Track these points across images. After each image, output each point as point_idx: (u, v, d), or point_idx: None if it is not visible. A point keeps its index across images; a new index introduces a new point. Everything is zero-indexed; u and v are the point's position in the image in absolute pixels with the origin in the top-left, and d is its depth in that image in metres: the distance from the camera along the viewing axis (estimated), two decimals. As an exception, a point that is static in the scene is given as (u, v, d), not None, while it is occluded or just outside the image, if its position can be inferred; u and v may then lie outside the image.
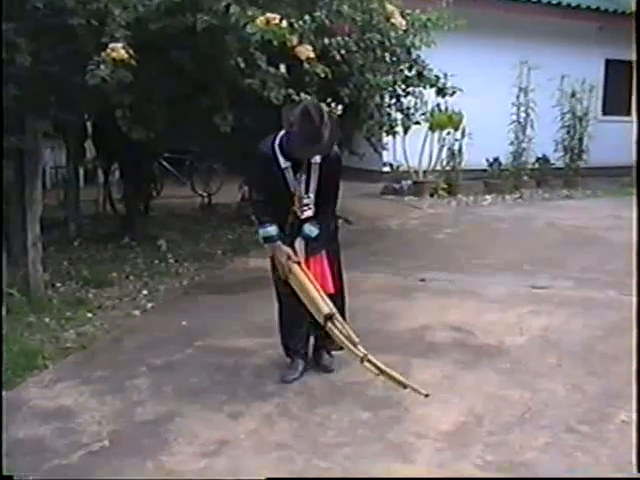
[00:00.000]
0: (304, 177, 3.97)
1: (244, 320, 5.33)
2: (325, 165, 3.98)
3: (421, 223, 9.58)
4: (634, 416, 3.66)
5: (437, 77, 8.66)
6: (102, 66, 5.17)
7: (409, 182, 12.11)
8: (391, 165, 12.14)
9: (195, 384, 4.21)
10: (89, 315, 5.52)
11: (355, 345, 3.81)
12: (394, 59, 7.89)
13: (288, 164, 3.93)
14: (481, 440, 3.52)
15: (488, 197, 11.80)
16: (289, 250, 4.01)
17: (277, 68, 5.88)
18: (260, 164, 3.96)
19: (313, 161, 3.95)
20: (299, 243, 4.05)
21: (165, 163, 11.52)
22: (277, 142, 3.94)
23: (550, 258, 7.35)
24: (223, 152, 10.45)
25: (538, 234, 8.70)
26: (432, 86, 8.70)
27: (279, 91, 5.86)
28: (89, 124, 8.71)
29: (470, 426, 3.66)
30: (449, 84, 8.82)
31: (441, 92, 8.81)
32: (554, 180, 13.06)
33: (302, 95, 6.09)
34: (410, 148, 11.58)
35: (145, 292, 6.21)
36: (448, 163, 12.24)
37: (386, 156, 11.61)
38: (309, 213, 4.05)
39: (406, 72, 8.49)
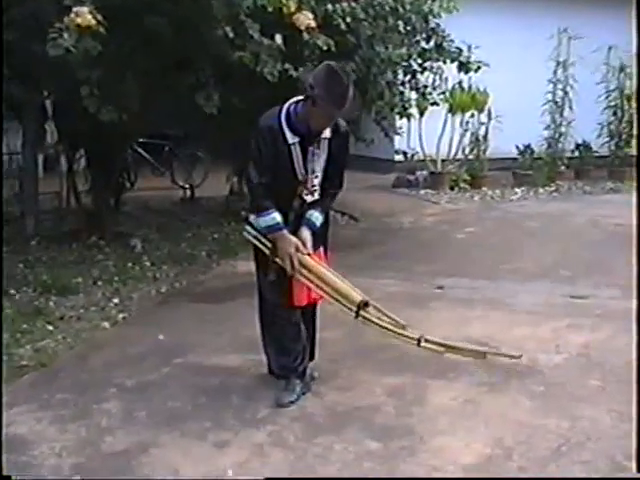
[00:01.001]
0: (317, 152, 4.00)
1: (232, 333, 5.31)
2: (334, 141, 4.03)
3: (439, 221, 9.56)
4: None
5: (459, 50, 8.66)
6: (65, 34, 5.15)
7: (425, 173, 12.11)
8: (404, 153, 12.15)
9: (174, 408, 4.19)
10: (49, 328, 5.50)
11: (404, 328, 3.86)
12: (409, 28, 7.88)
13: (296, 139, 3.94)
14: (510, 476, 3.50)
15: (518, 191, 11.81)
16: (297, 240, 4.01)
17: (272, 39, 5.87)
18: (264, 140, 3.93)
19: (323, 136, 3.99)
20: (306, 232, 4.06)
21: (140, 150, 11.51)
22: (284, 114, 3.95)
23: (592, 262, 7.33)
24: (208, 137, 10.48)
25: (578, 234, 8.69)
26: (453, 60, 8.70)
27: (274, 66, 5.86)
28: (50, 103, 8.69)
29: (497, 459, 3.64)
30: (473, 58, 8.81)
31: (464, 67, 8.81)
32: (597, 171, 13.06)
33: (301, 70, 6.08)
34: (427, 133, 11.60)
35: (116, 300, 6.19)
36: (471, 151, 12.25)
37: (398, 143, 11.61)
38: (315, 196, 4.09)
39: (423, 44, 8.49)
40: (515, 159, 12.77)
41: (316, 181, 4.05)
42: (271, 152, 3.92)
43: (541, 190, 11.93)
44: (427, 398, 4.22)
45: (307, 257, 4.02)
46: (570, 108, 12.53)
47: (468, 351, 3.81)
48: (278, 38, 5.91)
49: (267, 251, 4.09)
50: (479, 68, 8.84)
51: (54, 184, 9.64)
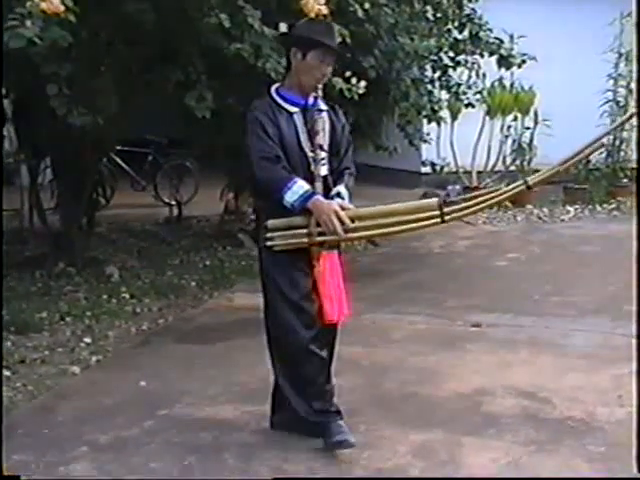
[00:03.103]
0: (318, 121, 4.27)
1: (226, 380, 5.31)
2: (332, 114, 4.39)
3: (475, 245, 9.56)
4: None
5: (499, 40, 8.69)
6: (28, 22, 5.17)
7: (458, 188, 12.11)
8: (433, 164, 12.14)
9: (157, 470, 4.18)
10: (7, 373, 5.49)
11: (500, 189, 4.11)
12: (439, 15, 7.94)
13: (296, 109, 4.27)
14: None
15: (570, 209, 11.79)
16: (335, 201, 4.17)
17: (275, 28, 5.90)
18: (266, 114, 4.20)
19: (321, 107, 4.33)
20: (339, 199, 4.21)
21: (117, 159, 11.57)
22: (274, 93, 4.31)
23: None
24: (199, 144, 10.52)
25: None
26: (492, 53, 8.73)
27: (278, 61, 5.88)
28: (9, 103, 8.74)
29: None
30: (516, 50, 8.84)
31: (505, 62, 8.84)
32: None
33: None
34: (460, 140, 11.61)
35: (88, 340, 6.20)
36: (513, 161, 12.26)
37: (426, 152, 11.63)
38: (325, 170, 4.29)
39: (455, 33, 8.52)
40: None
41: (324, 154, 4.28)
42: (275, 126, 4.18)
43: (599, 208, 11.93)
44: (461, 459, 4.20)
45: (355, 209, 4.19)
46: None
47: (582, 151, 3.98)
48: (283, 27, 5.93)
49: (305, 239, 4.16)
50: (523, 62, 8.88)
51: (13, 200, 9.67)
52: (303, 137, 4.25)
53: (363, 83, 6.17)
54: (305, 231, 4.15)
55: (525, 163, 12.23)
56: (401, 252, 9.18)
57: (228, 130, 7.45)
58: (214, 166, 10.36)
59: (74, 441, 4.49)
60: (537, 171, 12.40)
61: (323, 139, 4.28)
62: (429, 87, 8.76)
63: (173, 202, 11.23)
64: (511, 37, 8.93)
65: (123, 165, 11.83)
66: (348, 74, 6.35)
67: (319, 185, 4.21)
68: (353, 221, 4.13)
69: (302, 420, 4.32)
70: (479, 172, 12.05)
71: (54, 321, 6.60)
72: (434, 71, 8.80)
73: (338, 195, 4.23)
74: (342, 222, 4.07)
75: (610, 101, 12.57)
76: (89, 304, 7.05)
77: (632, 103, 12.44)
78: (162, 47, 6.33)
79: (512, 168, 12.24)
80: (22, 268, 8.01)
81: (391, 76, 7.47)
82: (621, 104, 12.57)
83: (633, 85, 12.42)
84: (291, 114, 4.24)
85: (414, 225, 4.18)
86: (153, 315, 6.87)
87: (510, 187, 4.14)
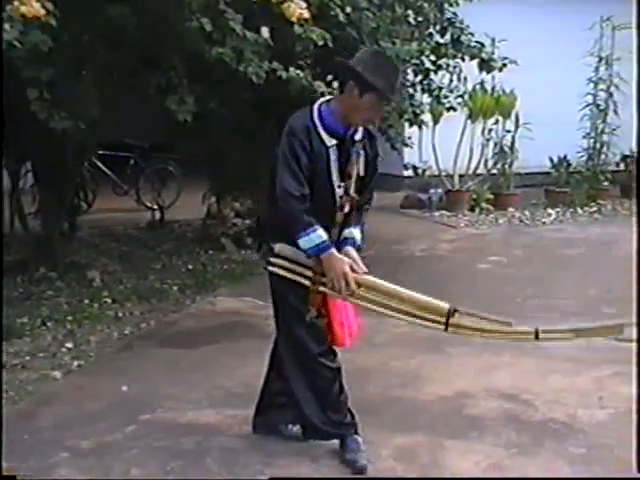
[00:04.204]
0: (354, 158, 4.13)
1: (209, 384, 5.30)
2: (369, 143, 4.21)
3: (457, 248, 9.57)
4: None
5: (480, 44, 8.71)
6: (7, 25, 5.16)
7: (440, 191, 12.15)
8: (415, 168, 12.16)
9: (140, 476, 4.17)
10: (-12, 378, 5.48)
11: (510, 325, 4.06)
12: (420, 19, 7.94)
13: (334, 142, 4.07)
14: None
15: (552, 212, 11.84)
16: (348, 259, 4.08)
17: (257, 32, 5.90)
18: (301, 143, 4.02)
19: (357, 138, 4.15)
20: (353, 251, 4.15)
21: (99, 163, 11.52)
22: (316, 115, 4.08)
23: (641, 298, 7.33)
24: (181, 148, 10.50)
25: (624, 264, 8.68)
26: (473, 57, 8.74)
27: (260, 65, 5.88)
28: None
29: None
30: (497, 54, 8.86)
31: (486, 65, 8.86)
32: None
33: (292, 70, 6.11)
34: (442, 144, 11.63)
35: (69, 345, 6.17)
36: (495, 165, 12.30)
37: (408, 155, 11.64)
38: (348, 208, 4.20)
39: (437, 37, 8.53)
40: (548, 174, 12.80)
41: (351, 190, 4.17)
42: (308, 157, 4.02)
43: (580, 211, 11.98)
44: (444, 462, 4.21)
45: (366, 277, 4.09)
46: (615, 112, 12.57)
47: (601, 329, 3.92)
48: (265, 31, 5.93)
49: (307, 282, 4.11)
50: (504, 66, 8.90)
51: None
52: (335, 172, 4.10)
53: (345, 87, 6.16)
54: (309, 274, 4.09)
55: (506, 166, 12.26)
56: (384, 255, 9.18)
57: (210, 133, 7.43)
58: (196, 170, 10.34)
59: (55, 447, 4.46)
60: (518, 174, 12.50)
61: (353, 175, 4.15)
62: (411, 91, 8.78)
63: (155, 206, 11.22)
64: (492, 41, 8.97)
65: (105, 169, 11.78)
66: (330, 77, 6.36)
67: (335, 231, 4.15)
68: (360, 286, 4.04)
69: (315, 429, 4.29)
70: (461, 175, 12.07)
71: (35, 326, 6.57)
72: (416, 75, 8.81)
73: (353, 243, 4.17)
74: (348, 284, 4.00)
75: (590, 105, 12.62)
76: (71, 309, 7.03)
77: (612, 106, 12.53)
78: (143, 52, 6.31)
79: (494, 171, 12.27)
80: (3, 273, 7.95)
81: (373, 80, 7.46)
82: (601, 107, 12.63)
83: (613, 89, 12.48)
84: (327, 148, 4.05)
85: (415, 320, 4.08)
86: (135, 319, 6.84)
87: (519, 331, 4.13)
